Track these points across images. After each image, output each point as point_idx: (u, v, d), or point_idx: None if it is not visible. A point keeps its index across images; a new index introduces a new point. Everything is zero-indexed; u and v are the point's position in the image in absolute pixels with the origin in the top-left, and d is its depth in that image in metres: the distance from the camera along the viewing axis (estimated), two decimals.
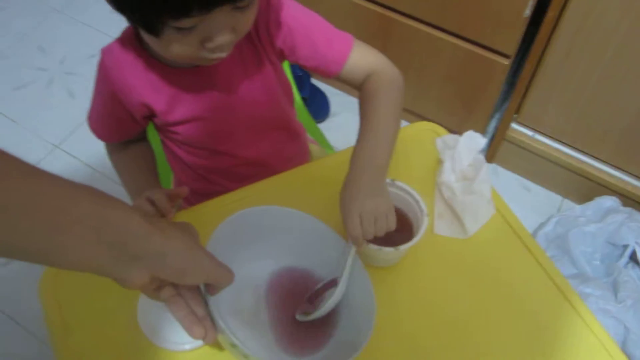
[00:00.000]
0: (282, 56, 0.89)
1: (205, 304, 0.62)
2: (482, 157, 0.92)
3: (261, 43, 0.86)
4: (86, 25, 2.11)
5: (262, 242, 0.75)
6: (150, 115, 0.88)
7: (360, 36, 1.69)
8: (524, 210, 1.70)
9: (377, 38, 1.62)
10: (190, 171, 1.00)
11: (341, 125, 1.89)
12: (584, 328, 0.80)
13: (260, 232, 0.74)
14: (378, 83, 0.86)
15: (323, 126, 1.88)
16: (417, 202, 0.81)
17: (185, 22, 0.66)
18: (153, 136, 1.02)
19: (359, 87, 0.89)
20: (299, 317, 0.75)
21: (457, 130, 1.72)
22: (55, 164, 1.74)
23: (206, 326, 0.61)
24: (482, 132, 1.75)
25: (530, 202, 1.74)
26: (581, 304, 0.82)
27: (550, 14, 1.34)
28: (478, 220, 0.87)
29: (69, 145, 1.79)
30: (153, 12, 0.65)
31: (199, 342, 0.73)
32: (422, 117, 1.82)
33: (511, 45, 1.43)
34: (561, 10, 1.31)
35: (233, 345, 0.61)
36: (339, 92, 1.96)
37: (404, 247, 0.76)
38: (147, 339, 0.73)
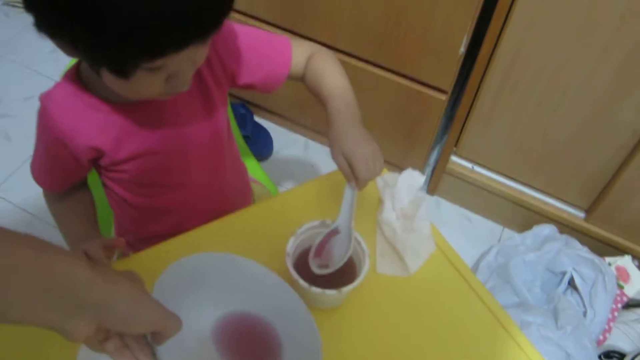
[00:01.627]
0: (233, 79, 0.92)
1: (153, 354, 0.61)
2: (421, 195, 0.94)
3: (211, 70, 0.88)
4: (23, 66, 2.06)
5: (204, 289, 0.74)
6: (96, 158, 0.87)
7: None
8: (466, 240, 1.74)
9: None
10: (136, 214, 0.99)
11: (285, 162, 1.90)
12: (522, 355, 0.82)
13: (202, 280, 0.74)
14: (323, 59, 0.94)
15: (266, 164, 1.89)
16: (359, 243, 0.82)
17: (159, 62, 0.67)
18: (93, 182, 1.00)
19: (302, 77, 0.96)
20: (318, 272, 0.80)
21: (399, 163, 1.76)
22: None
23: None
24: (424, 164, 1.79)
25: (472, 232, 1.78)
26: (520, 335, 0.83)
27: (484, 51, 1.39)
28: (419, 257, 0.89)
29: (4, 190, 1.73)
30: (130, 56, 0.65)
31: None
32: None
33: (447, 81, 1.48)
34: (494, 48, 1.37)
35: None
36: (282, 129, 1.98)
37: (346, 289, 0.77)
38: None
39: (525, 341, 0.83)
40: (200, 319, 0.74)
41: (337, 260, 0.81)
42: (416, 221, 0.90)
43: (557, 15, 1.23)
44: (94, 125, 0.82)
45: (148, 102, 0.82)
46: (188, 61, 0.72)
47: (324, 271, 0.80)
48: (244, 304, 0.77)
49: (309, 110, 1.84)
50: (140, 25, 0.61)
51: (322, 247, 0.82)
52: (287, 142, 1.95)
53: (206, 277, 0.74)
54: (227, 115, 0.97)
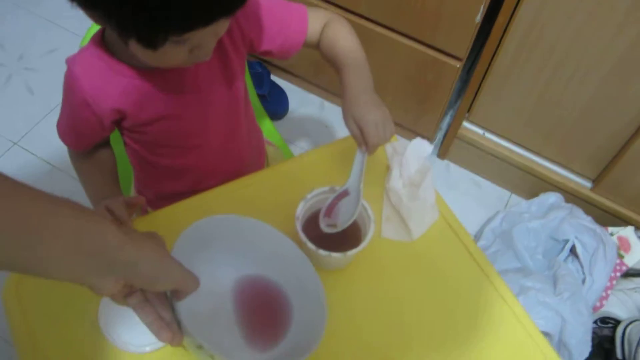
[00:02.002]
0: (251, 45, 0.96)
1: (172, 309, 0.66)
2: (428, 164, 0.97)
3: (231, 38, 0.91)
4: (46, 20, 2.09)
5: (220, 250, 0.79)
6: (119, 120, 0.91)
7: None
8: (474, 204, 1.79)
9: None
10: (155, 172, 1.04)
11: (300, 121, 1.94)
12: (514, 319, 0.87)
13: (219, 240, 0.78)
14: (338, 27, 0.97)
15: (281, 123, 1.92)
16: (365, 209, 0.86)
17: (186, 36, 0.71)
18: (115, 140, 1.05)
19: (317, 44, 0.99)
20: (327, 230, 0.84)
21: (411, 127, 1.79)
22: (15, 160, 1.74)
23: (173, 330, 0.65)
24: (436, 128, 1.82)
25: (480, 197, 1.82)
26: (516, 302, 0.88)
27: (500, 19, 1.40)
28: (422, 224, 0.93)
29: (27, 142, 1.79)
30: (161, 31, 0.69)
31: (159, 344, 0.77)
32: None
33: (463, 49, 1.49)
34: (510, 17, 1.38)
35: (199, 347, 0.65)
36: (297, 88, 2.00)
37: (351, 253, 0.81)
38: (109, 342, 0.77)
39: (520, 309, 0.88)
40: (215, 277, 0.79)
41: (345, 220, 0.85)
42: (422, 189, 0.94)
43: None
44: (117, 89, 0.86)
45: (170, 69, 0.86)
46: (212, 34, 0.76)
47: (332, 230, 0.85)
48: (257, 264, 0.82)
49: (325, 71, 1.87)
50: (174, 3, 0.64)
51: (332, 208, 0.87)
52: (302, 101, 1.98)
53: (223, 238, 0.79)
54: (244, 81, 1.01)
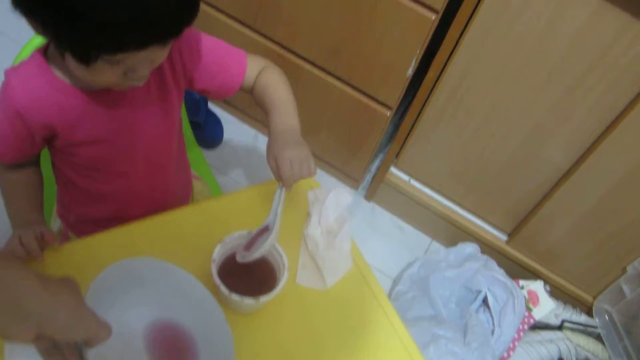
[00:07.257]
0: (191, 82, 0.98)
1: (81, 356, 0.66)
2: (346, 214, 1.00)
3: (174, 71, 0.93)
4: None
5: (137, 294, 0.79)
6: (51, 137, 0.90)
7: None
8: (396, 248, 1.83)
9: None
10: (80, 196, 1.03)
11: (233, 152, 1.94)
12: None
13: (136, 284, 0.78)
14: (272, 74, 1.02)
15: (215, 152, 1.92)
16: (280, 256, 0.88)
17: (119, 56, 0.73)
18: (42, 162, 1.03)
19: (252, 89, 1.02)
20: (240, 259, 0.86)
21: (341, 167, 1.83)
22: None
23: None
24: (365, 171, 1.86)
25: (403, 241, 1.86)
26: (416, 350, 0.92)
27: (430, 74, 1.46)
28: (337, 273, 0.95)
29: None
30: (94, 47, 0.71)
31: None
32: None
33: (393, 99, 1.54)
34: (440, 74, 1.44)
35: None
36: (233, 118, 2.01)
37: (264, 299, 0.83)
38: None
39: (419, 354, 0.91)
40: (127, 320, 0.79)
41: (256, 250, 0.86)
42: (338, 238, 0.96)
43: (500, 53, 1.31)
44: (52, 105, 0.86)
45: (107, 92, 0.87)
46: (147, 60, 0.78)
47: (244, 259, 0.86)
48: (170, 308, 0.82)
49: None
50: (107, 22, 0.67)
51: (252, 243, 0.88)
52: (237, 131, 1.99)
53: (140, 282, 0.79)
54: (180, 115, 1.02)
